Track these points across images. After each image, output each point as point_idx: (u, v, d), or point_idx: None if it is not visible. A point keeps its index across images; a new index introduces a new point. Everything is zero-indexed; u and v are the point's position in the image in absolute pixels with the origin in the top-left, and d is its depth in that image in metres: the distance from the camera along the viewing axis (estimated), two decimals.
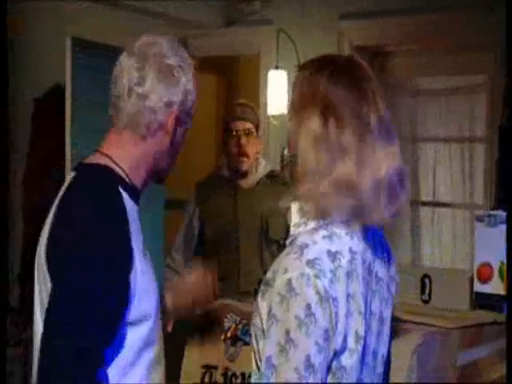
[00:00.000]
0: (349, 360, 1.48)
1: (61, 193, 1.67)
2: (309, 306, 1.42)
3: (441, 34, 3.81)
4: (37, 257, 1.67)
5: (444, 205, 4.26)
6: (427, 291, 3.47)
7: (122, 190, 1.65)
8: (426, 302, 3.45)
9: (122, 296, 1.58)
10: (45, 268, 1.60)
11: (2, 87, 3.26)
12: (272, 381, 1.42)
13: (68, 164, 3.43)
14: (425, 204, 4.31)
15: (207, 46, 4.46)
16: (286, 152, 1.60)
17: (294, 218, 1.54)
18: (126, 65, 1.68)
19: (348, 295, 1.48)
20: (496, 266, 3.21)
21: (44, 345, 1.54)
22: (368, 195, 1.49)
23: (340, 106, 1.52)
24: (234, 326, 2.13)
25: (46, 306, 1.58)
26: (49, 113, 4.64)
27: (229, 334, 2.13)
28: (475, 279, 3.29)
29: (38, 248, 1.67)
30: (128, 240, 1.59)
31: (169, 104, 1.68)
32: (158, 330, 1.71)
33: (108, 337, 1.57)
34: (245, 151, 3.25)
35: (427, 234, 4.29)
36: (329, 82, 1.54)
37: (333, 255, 1.48)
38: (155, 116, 1.68)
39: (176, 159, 1.77)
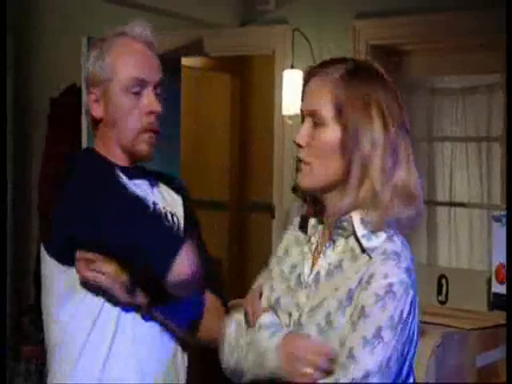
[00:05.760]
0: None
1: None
2: (402, 313, 1.47)
3: (457, 32, 3.78)
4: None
5: (461, 205, 4.23)
6: (444, 292, 3.44)
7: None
8: (442, 302, 3.42)
9: None
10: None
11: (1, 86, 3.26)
12: (351, 370, 1.44)
13: None
14: (441, 204, 4.28)
15: (222, 46, 4.46)
16: (301, 154, 1.57)
17: (358, 228, 1.53)
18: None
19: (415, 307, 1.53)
20: None
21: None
22: (421, 203, 1.53)
23: (395, 112, 1.53)
24: None
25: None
26: (65, 112, 4.65)
27: None
28: (493, 280, 3.26)
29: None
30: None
31: None
32: None
33: None
34: None
35: (444, 235, 4.26)
36: (376, 86, 1.53)
37: (413, 264, 1.52)
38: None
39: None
